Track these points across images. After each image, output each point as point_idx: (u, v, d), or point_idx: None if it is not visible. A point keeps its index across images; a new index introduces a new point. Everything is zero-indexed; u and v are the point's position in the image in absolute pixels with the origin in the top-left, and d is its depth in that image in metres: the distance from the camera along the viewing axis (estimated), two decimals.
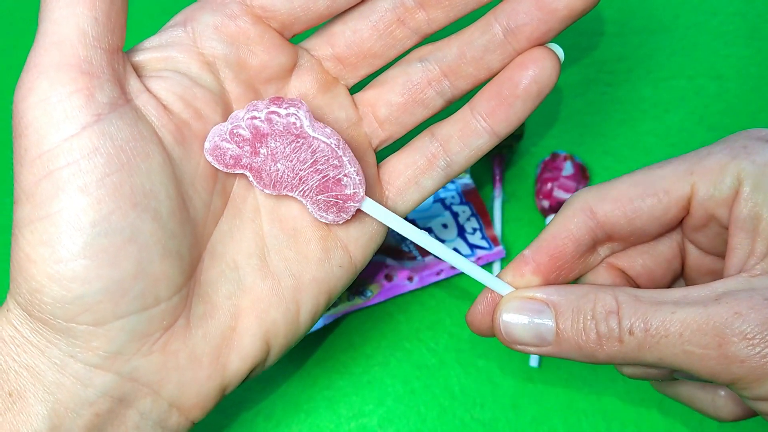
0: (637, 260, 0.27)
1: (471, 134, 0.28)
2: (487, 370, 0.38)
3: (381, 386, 0.38)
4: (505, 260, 0.40)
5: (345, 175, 0.26)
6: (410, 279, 0.38)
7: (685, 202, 0.25)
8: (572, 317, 0.23)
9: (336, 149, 0.25)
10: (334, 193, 0.26)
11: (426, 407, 0.37)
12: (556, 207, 0.39)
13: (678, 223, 0.26)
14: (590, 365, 0.37)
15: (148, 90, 0.24)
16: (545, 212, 0.39)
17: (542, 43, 0.27)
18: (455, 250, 0.39)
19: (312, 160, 0.26)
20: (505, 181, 0.41)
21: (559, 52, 0.27)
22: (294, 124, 0.25)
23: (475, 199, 0.40)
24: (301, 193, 0.26)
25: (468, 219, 0.40)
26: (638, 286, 0.27)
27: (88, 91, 0.22)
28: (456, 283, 0.39)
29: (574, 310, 0.24)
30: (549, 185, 0.39)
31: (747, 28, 0.46)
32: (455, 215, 0.40)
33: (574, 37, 0.46)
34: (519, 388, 0.37)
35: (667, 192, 0.25)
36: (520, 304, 0.25)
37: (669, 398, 0.29)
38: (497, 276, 0.26)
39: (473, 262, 0.38)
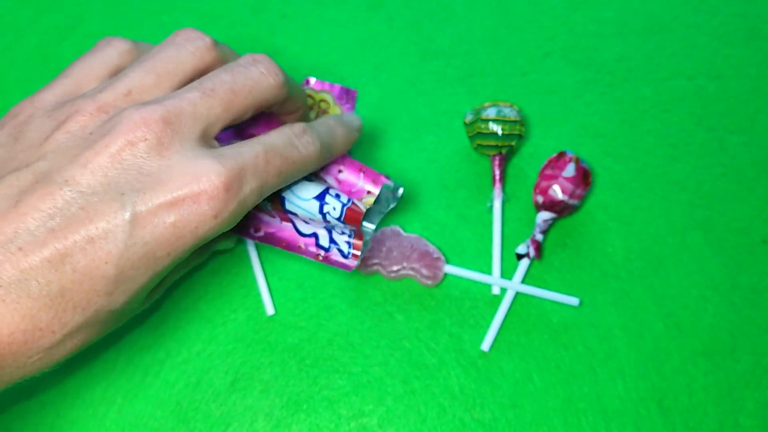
0: None
1: None
2: (487, 370, 0.38)
3: (381, 386, 0.38)
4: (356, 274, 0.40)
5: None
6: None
7: None
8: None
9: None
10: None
11: (426, 407, 0.37)
12: (549, 205, 0.39)
13: None
14: (593, 367, 0.37)
15: None
16: (538, 207, 0.39)
17: None
18: (314, 234, 0.36)
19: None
20: (505, 181, 0.41)
21: None
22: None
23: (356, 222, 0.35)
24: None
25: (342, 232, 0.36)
26: None
27: None
28: (456, 283, 0.39)
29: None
30: (547, 182, 0.39)
31: (747, 28, 0.46)
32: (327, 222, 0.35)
33: (574, 37, 0.46)
34: (519, 388, 0.37)
35: None
36: None
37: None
38: None
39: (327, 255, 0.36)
